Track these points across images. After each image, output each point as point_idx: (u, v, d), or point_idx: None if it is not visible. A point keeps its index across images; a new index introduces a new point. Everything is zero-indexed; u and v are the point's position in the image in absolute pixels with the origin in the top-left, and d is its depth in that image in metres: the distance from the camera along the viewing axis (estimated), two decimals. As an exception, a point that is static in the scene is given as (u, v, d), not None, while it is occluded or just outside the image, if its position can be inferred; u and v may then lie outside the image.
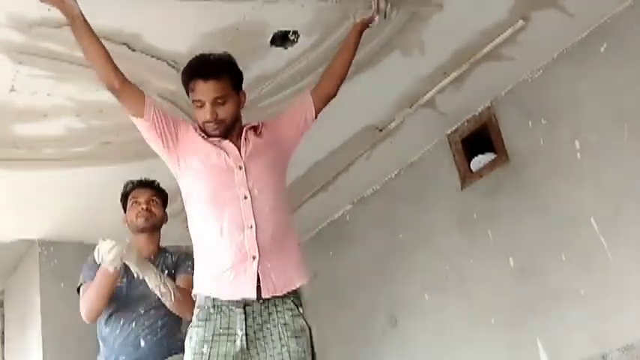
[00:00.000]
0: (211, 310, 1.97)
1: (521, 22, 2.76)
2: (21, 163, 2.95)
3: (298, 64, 2.72)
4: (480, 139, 3.40)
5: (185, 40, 2.45)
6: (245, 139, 2.16)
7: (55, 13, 2.15)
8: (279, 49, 2.60)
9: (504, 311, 3.19)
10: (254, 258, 2.01)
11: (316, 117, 2.35)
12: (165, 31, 2.38)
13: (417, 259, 3.69)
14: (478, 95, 3.27)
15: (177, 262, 2.71)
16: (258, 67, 2.68)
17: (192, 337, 1.95)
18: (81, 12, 1.98)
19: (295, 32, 2.54)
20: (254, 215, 2.05)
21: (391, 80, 3.00)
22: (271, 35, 2.52)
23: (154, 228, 2.78)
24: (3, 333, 4.19)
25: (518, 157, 3.20)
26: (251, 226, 2.03)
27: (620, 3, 2.75)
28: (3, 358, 4.09)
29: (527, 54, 2.99)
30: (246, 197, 2.07)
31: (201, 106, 2.07)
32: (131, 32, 2.33)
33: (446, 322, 3.48)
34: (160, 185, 2.78)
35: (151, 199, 2.76)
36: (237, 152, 2.12)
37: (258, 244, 2.02)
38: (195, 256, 2.13)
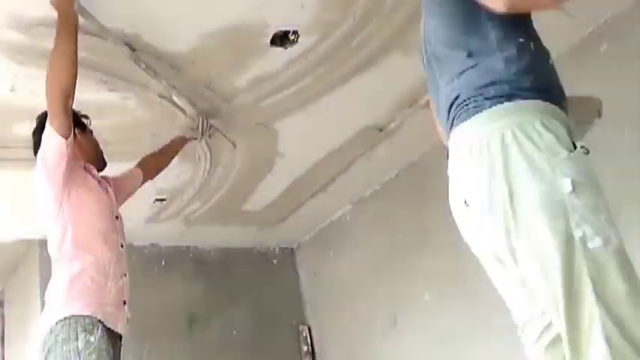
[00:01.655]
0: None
1: (521, 22, 2.75)
2: (21, 163, 2.95)
3: (298, 64, 2.72)
4: (479, 139, 3.39)
5: (185, 40, 2.45)
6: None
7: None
8: (279, 49, 2.60)
9: (504, 311, 3.18)
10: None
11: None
12: (165, 31, 2.38)
13: (417, 259, 3.69)
14: (478, 95, 3.27)
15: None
16: (258, 67, 2.68)
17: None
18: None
19: (295, 32, 2.54)
20: None
21: (391, 80, 3.00)
22: (271, 35, 2.52)
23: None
24: (3, 333, 4.19)
25: (518, 157, 3.19)
26: (124, 274, 2.56)
27: (620, 3, 2.75)
28: (3, 358, 4.09)
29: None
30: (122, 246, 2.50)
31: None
32: (131, 32, 2.33)
33: (446, 322, 3.48)
34: None
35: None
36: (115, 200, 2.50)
37: None
38: None
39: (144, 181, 2.79)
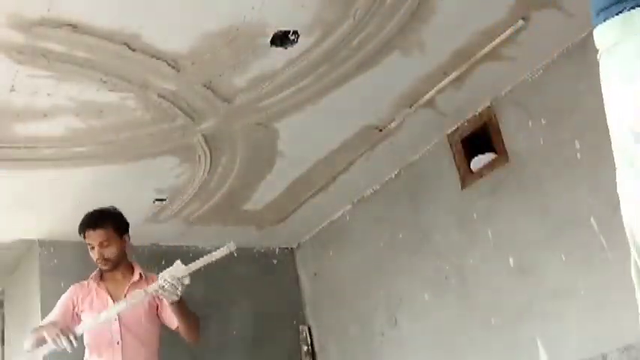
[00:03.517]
0: None
1: (521, 22, 2.76)
2: (21, 163, 2.95)
3: (298, 64, 2.72)
4: (479, 139, 3.40)
5: (185, 40, 2.45)
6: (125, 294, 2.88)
7: (56, 13, 2.16)
8: (279, 49, 2.60)
9: (504, 311, 3.19)
10: None
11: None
12: (165, 31, 2.38)
13: (417, 259, 3.70)
14: (478, 95, 3.27)
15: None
16: (258, 67, 2.68)
17: None
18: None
19: (295, 32, 2.54)
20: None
21: (391, 80, 3.00)
22: (271, 35, 2.52)
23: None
24: (3, 333, 4.19)
25: (518, 157, 3.20)
26: None
27: (620, 3, 2.75)
28: (3, 358, 4.09)
29: (527, 54, 2.99)
30: (118, 342, 2.83)
31: (92, 249, 2.90)
32: (131, 32, 2.33)
33: (446, 322, 3.49)
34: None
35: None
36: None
37: None
38: None
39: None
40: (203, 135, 3.07)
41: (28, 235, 3.72)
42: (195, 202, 3.70)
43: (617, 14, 1.26)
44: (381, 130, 3.40)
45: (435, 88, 3.12)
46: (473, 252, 3.38)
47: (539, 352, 2.99)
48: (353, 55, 2.74)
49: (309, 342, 4.44)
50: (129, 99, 2.70)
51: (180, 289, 2.70)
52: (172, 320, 2.94)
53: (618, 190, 1.23)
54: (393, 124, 3.36)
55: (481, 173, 3.37)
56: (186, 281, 2.72)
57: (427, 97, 3.18)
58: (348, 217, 4.23)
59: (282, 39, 2.55)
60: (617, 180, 1.23)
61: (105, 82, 2.55)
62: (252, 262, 4.51)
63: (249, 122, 3.07)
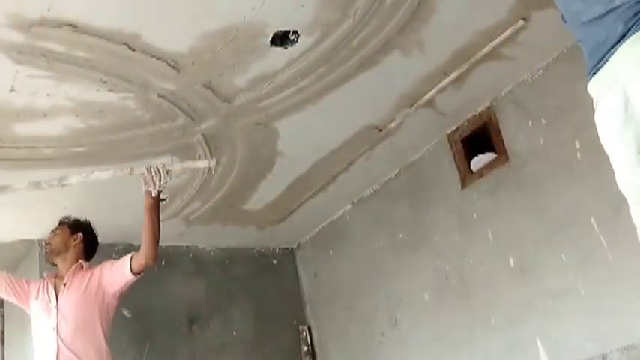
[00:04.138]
0: None
1: (521, 22, 2.76)
2: (21, 163, 2.95)
3: (298, 64, 2.72)
4: (480, 139, 3.40)
5: (185, 40, 2.45)
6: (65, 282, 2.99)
7: (56, 13, 2.16)
8: (279, 49, 2.60)
9: (504, 311, 3.19)
10: None
11: (136, 275, 2.97)
12: (165, 31, 2.38)
13: (417, 259, 3.70)
14: (478, 95, 3.27)
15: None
16: (258, 67, 2.68)
17: None
18: None
19: (295, 32, 2.54)
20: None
21: (391, 80, 3.00)
22: (271, 35, 2.52)
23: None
24: (3, 333, 4.19)
25: (518, 157, 3.20)
26: (54, 352, 2.81)
27: (620, 3, 2.75)
28: (3, 358, 4.09)
29: (527, 54, 2.99)
30: (54, 328, 2.85)
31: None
32: (131, 32, 2.33)
33: (446, 321, 3.49)
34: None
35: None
36: (55, 294, 2.97)
37: None
38: None
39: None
40: (203, 135, 3.07)
41: (28, 235, 3.72)
42: (195, 202, 3.70)
43: (591, 75, 1.38)
44: (381, 130, 3.40)
45: (435, 88, 3.12)
46: (473, 252, 3.38)
47: (539, 352, 2.99)
48: (353, 55, 2.74)
49: (309, 342, 4.44)
50: (129, 99, 2.70)
51: (162, 180, 2.76)
52: (115, 279, 2.98)
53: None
54: (393, 124, 3.36)
55: (481, 173, 3.38)
56: (169, 176, 2.79)
57: (427, 97, 3.18)
58: (348, 217, 4.23)
59: (282, 39, 2.55)
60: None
61: (105, 82, 2.55)
62: (252, 262, 4.51)
63: (249, 122, 3.07)
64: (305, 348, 4.41)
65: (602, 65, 1.31)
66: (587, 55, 1.37)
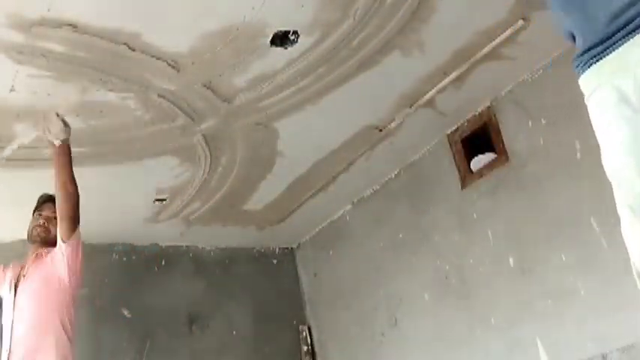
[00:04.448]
0: None
1: (521, 22, 2.76)
2: (21, 163, 2.95)
3: (298, 64, 2.72)
4: (480, 139, 3.39)
5: (185, 40, 2.45)
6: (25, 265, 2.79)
7: (56, 13, 2.16)
8: (279, 49, 2.60)
9: (504, 311, 3.19)
10: None
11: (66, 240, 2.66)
12: (165, 31, 2.38)
13: (417, 259, 3.69)
14: (478, 95, 3.27)
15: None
16: (258, 67, 2.68)
17: None
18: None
19: (295, 32, 2.54)
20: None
21: (391, 80, 3.00)
22: (271, 35, 2.52)
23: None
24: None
25: (518, 157, 3.20)
26: (7, 350, 2.58)
27: (620, 3, 2.75)
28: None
29: (527, 54, 2.99)
30: (12, 320, 2.63)
31: (39, 215, 2.86)
32: (131, 32, 2.33)
33: (446, 322, 3.48)
34: None
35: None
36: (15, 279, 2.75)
37: None
38: None
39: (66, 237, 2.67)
40: (203, 135, 3.07)
41: (28, 235, 3.71)
42: (196, 202, 3.70)
43: (590, 65, 1.34)
44: (381, 130, 3.40)
45: (435, 88, 3.12)
46: (473, 252, 3.38)
47: (539, 352, 2.99)
48: (353, 55, 2.74)
49: (309, 342, 4.44)
50: (129, 99, 2.70)
51: (64, 126, 2.57)
52: (57, 256, 2.69)
53: (623, 234, 1.32)
54: (393, 124, 3.36)
55: (481, 173, 3.37)
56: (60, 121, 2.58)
57: (427, 97, 3.18)
58: (348, 217, 4.23)
59: (282, 39, 2.55)
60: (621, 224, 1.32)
61: (105, 82, 2.55)
62: (252, 262, 4.52)
63: (249, 122, 3.07)
64: (305, 348, 4.41)
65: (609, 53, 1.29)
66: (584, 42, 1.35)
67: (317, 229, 4.46)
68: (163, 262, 4.09)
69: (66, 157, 2.63)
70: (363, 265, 4.06)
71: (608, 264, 2.76)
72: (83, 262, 2.73)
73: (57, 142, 2.59)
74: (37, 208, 2.97)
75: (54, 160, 2.64)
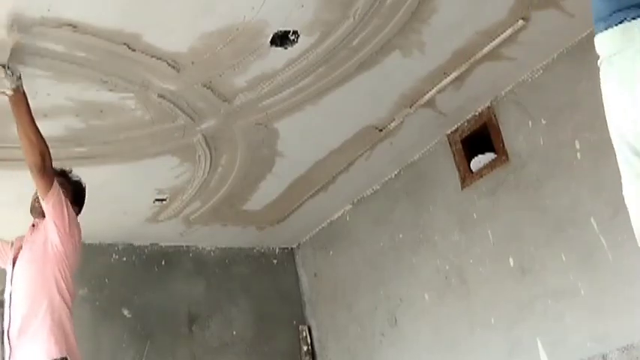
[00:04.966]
0: None
1: (521, 22, 2.76)
2: (21, 163, 2.95)
3: (298, 64, 2.72)
4: (480, 139, 3.40)
5: (185, 40, 2.45)
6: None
7: (56, 13, 2.16)
8: (279, 49, 2.60)
9: (504, 311, 3.19)
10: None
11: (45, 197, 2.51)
12: (165, 31, 2.38)
13: (417, 259, 3.69)
14: (478, 95, 3.27)
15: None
16: (258, 67, 2.68)
17: None
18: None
19: (295, 32, 2.54)
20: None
21: (391, 80, 3.00)
22: (271, 35, 2.52)
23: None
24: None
25: (518, 157, 3.20)
26: (7, 325, 2.58)
27: (620, 3, 2.75)
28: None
29: (527, 54, 2.99)
30: (10, 294, 2.58)
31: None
32: (131, 32, 2.33)
33: (446, 322, 3.48)
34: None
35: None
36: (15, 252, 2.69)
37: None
38: None
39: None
40: (203, 135, 3.07)
41: (28, 235, 3.71)
42: (196, 202, 3.70)
43: (617, 24, 1.29)
44: (381, 130, 3.40)
45: (435, 88, 3.12)
46: (473, 252, 3.38)
47: (539, 352, 2.99)
48: (353, 55, 2.74)
49: (309, 342, 4.44)
50: (129, 99, 2.70)
51: (11, 74, 2.35)
52: (47, 223, 2.58)
53: (625, 200, 1.27)
54: (393, 124, 3.36)
55: (481, 173, 3.37)
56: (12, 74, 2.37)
57: (427, 97, 3.18)
58: (348, 217, 4.23)
59: (282, 39, 2.55)
60: (623, 189, 1.26)
61: (105, 82, 2.55)
62: (252, 262, 4.52)
63: (249, 122, 3.07)
64: (305, 348, 4.41)
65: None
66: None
67: (317, 229, 4.46)
68: (163, 262, 4.09)
69: (22, 106, 2.42)
70: (363, 265, 4.06)
71: (608, 264, 2.76)
72: (73, 219, 2.60)
73: (9, 93, 2.39)
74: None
75: (13, 113, 2.45)
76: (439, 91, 3.15)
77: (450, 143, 3.54)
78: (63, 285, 2.55)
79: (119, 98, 2.67)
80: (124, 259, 3.99)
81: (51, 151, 2.92)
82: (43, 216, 2.60)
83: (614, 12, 1.30)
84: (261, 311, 4.36)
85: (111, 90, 2.61)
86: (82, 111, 2.71)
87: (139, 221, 3.76)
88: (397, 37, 2.70)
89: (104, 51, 2.38)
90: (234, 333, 4.23)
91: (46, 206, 2.51)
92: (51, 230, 2.54)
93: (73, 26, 2.23)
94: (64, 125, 2.77)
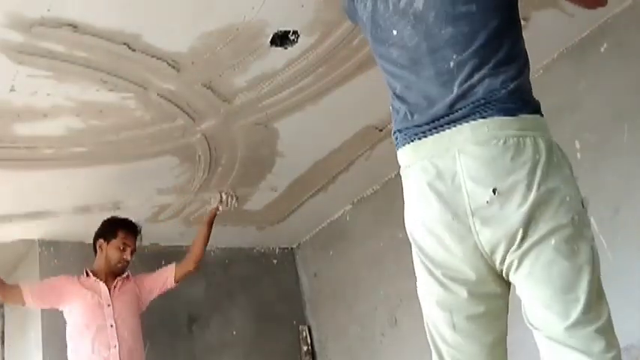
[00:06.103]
0: None
1: (521, 22, 2.75)
2: (21, 163, 2.95)
3: (298, 64, 2.72)
4: (479, 139, 3.39)
5: (185, 40, 2.45)
6: (115, 285, 3.20)
7: (56, 13, 2.16)
8: (279, 49, 2.60)
9: (504, 311, 3.19)
10: None
11: (176, 282, 3.41)
12: (165, 31, 2.38)
13: (417, 259, 3.69)
14: (478, 95, 3.27)
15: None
16: (258, 67, 2.68)
17: None
18: None
19: (295, 32, 2.54)
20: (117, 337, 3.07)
21: (391, 80, 2.99)
22: (271, 35, 2.52)
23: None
24: (3, 333, 4.19)
25: (518, 157, 3.19)
26: (115, 346, 3.05)
27: (619, 3, 2.75)
28: (3, 358, 4.09)
29: (528, 54, 2.98)
30: (112, 325, 3.09)
31: (123, 250, 3.22)
32: (131, 32, 2.33)
33: (446, 322, 3.48)
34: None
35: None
36: (108, 293, 3.15)
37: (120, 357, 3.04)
38: None
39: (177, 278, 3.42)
40: (203, 135, 3.07)
41: (28, 235, 3.71)
42: (196, 202, 3.70)
43: (408, 143, 1.68)
44: (381, 130, 3.40)
45: (435, 88, 3.11)
46: (473, 252, 3.37)
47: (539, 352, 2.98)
48: (353, 55, 2.74)
49: (309, 342, 4.44)
50: (129, 99, 2.70)
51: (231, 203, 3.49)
52: (154, 288, 3.37)
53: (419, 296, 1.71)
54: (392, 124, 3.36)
55: (481, 173, 3.37)
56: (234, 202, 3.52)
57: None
58: (348, 217, 4.23)
59: (282, 39, 2.55)
60: (418, 288, 1.77)
61: (105, 82, 2.55)
62: (252, 262, 4.52)
63: (249, 122, 3.07)
64: (305, 348, 4.41)
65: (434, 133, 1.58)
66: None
67: (317, 229, 4.46)
68: (163, 262, 4.09)
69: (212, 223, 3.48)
70: (363, 265, 4.06)
71: (608, 264, 2.76)
72: None
73: (220, 209, 3.45)
74: (124, 235, 3.27)
75: (205, 222, 3.47)
76: (439, 91, 3.14)
77: (450, 143, 3.53)
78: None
79: (119, 98, 2.68)
80: (124, 259, 3.98)
81: (51, 151, 2.94)
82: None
83: (401, 130, 1.72)
84: (261, 311, 4.36)
85: (111, 90, 2.61)
86: (82, 111, 2.71)
87: (139, 221, 3.75)
88: (397, 37, 2.69)
89: (104, 51, 2.38)
90: (234, 333, 4.23)
91: (169, 285, 3.39)
92: (146, 295, 3.34)
93: (73, 26, 2.23)
94: (64, 125, 2.77)
